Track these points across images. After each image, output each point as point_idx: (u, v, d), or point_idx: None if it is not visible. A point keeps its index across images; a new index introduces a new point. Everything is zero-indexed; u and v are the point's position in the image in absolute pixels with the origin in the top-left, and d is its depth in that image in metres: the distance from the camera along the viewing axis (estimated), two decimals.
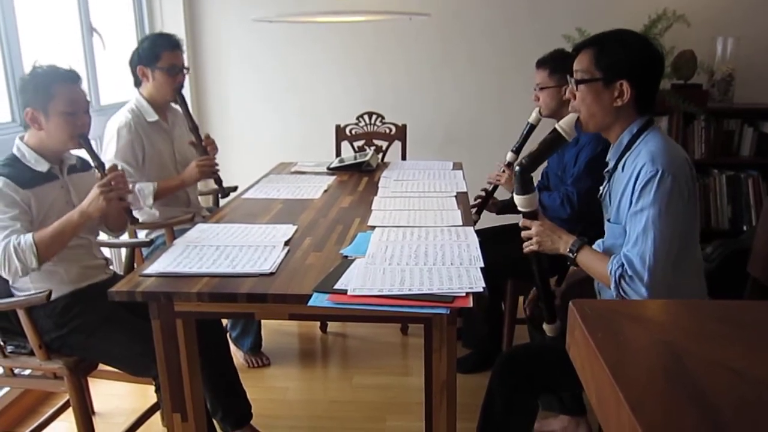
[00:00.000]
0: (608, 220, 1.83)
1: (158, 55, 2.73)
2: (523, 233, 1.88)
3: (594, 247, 1.89)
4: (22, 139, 2.10)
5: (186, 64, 2.85)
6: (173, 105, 2.88)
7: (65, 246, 2.03)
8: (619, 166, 1.78)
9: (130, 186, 2.64)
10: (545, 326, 1.98)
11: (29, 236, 1.93)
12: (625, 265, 1.64)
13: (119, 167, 2.62)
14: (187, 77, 2.87)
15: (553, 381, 1.91)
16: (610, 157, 1.84)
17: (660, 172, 1.61)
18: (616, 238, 1.76)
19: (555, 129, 1.77)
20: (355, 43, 3.96)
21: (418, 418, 2.46)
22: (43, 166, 2.08)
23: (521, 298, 2.78)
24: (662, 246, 1.61)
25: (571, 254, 1.79)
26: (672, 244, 1.64)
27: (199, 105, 4.10)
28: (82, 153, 2.18)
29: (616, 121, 1.76)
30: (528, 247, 1.87)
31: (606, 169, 1.88)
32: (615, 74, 1.70)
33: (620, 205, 1.75)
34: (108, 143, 2.70)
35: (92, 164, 2.13)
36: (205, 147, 2.82)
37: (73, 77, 2.09)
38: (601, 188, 1.91)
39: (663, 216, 1.61)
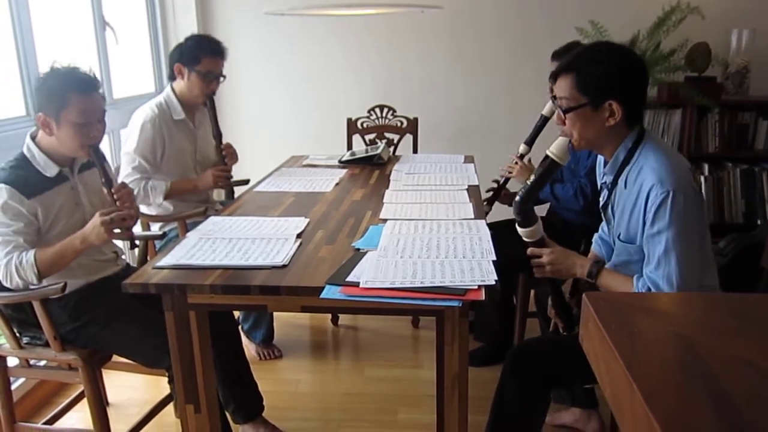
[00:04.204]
0: (618, 237, 1.82)
1: (199, 58, 2.72)
2: (533, 261, 1.87)
3: (593, 243, 1.89)
4: (34, 138, 2.05)
5: (224, 72, 2.84)
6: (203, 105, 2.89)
7: (67, 266, 2.01)
8: (620, 182, 1.77)
9: (143, 183, 2.67)
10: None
11: (31, 255, 1.92)
12: (653, 289, 1.64)
13: (136, 162, 2.65)
14: None
15: (564, 374, 1.91)
16: (606, 172, 1.82)
17: (671, 193, 1.60)
18: (631, 255, 1.76)
19: (547, 156, 1.74)
20: (367, 36, 3.95)
21: (430, 410, 2.46)
22: (52, 171, 2.04)
23: (533, 292, 2.79)
24: (685, 264, 1.61)
25: (590, 278, 1.79)
26: (694, 259, 1.64)
27: None
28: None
29: (610, 140, 1.74)
30: (540, 273, 1.87)
31: (603, 181, 1.87)
32: (601, 96, 1.66)
33: (630, 224, 1.74)
34: (130, 134, 2.71)
35: (101, 179, 2.07)
36: (225, 156, 2.84)
37: (90, 85, 2.01)
38: (600, 199, 1.90)
39: (681, 235, 1.61)
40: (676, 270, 1.61)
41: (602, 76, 1.67)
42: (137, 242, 2.17)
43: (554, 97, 1.76)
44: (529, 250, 1.87)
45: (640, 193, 1.67)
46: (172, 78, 2.81)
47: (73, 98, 1.96)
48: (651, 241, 1.65)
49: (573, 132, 1.72)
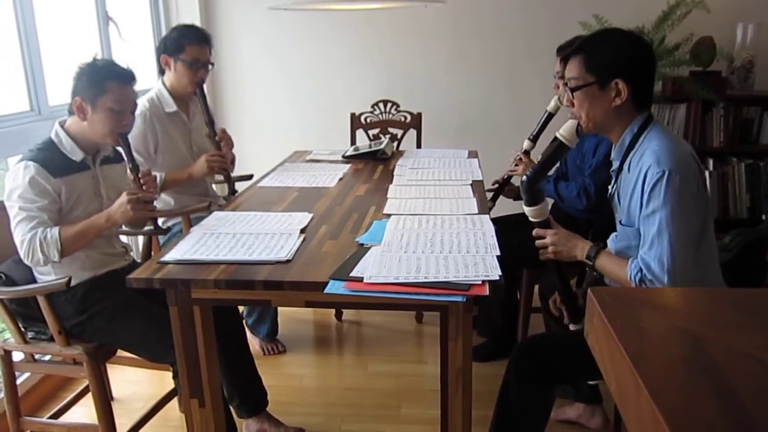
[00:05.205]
0: (620, 222, 1.82)
1: (183, 47, 2.72)
2: (537, 242, 1.88)
3: (609, 242, 1.88)
4: (63, 124, 2.12)
5: (211, 59, 2.84)
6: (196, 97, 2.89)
7: (88, 244, 2.07)
8: (625, 166, 1.78)
9: None
10: (571, 327, 1.98)
11: (55, 231, 1.96)
12: (644, 270, 1.64)
13: None
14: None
15: (569, 370, 1.91)
16: (614, 157, 1.84)
17: (666, 173, 1.60)
18: (630, 239, 1.76)
19: (556, 137, 1.77)
20: (370, 31, 3.94)
21: (433, 405, 2.46)
22: (77, 156, 2.10)
23: (537, 287, 2.78)
24: (678, 246, 1.61)
25: (588, 260, 1.79)
26: (687, 243, 1.63)
27: (214, 93, 4.11)
28: None
29: (617, 122, 1.75)
30: (544, 255, 1.87)
31: (612, 169, 1.87)
32: (608, 75, 1.69)
33: (630, 207, 1.75)
34: None
35: (127, 165, 2.17)
36: (219, 142, 2.83)
37: (128, 77, 2.12)
38: (609, 187, 1.90)
39: (675, 216, 1.61)
40: (668, 251, 1.60)
41: (609, 56, 1.70)
42: (160, 224, 2.24)
43: (566, 83, 1.78)
44: (534, 231, 1.88)
45: (639, 175, 1.68)
46: (161, 72, 2.81)
47: (113, 86, 2.07)
48: (646, 222, 1.66)
49: (581, 113, 1.74)
